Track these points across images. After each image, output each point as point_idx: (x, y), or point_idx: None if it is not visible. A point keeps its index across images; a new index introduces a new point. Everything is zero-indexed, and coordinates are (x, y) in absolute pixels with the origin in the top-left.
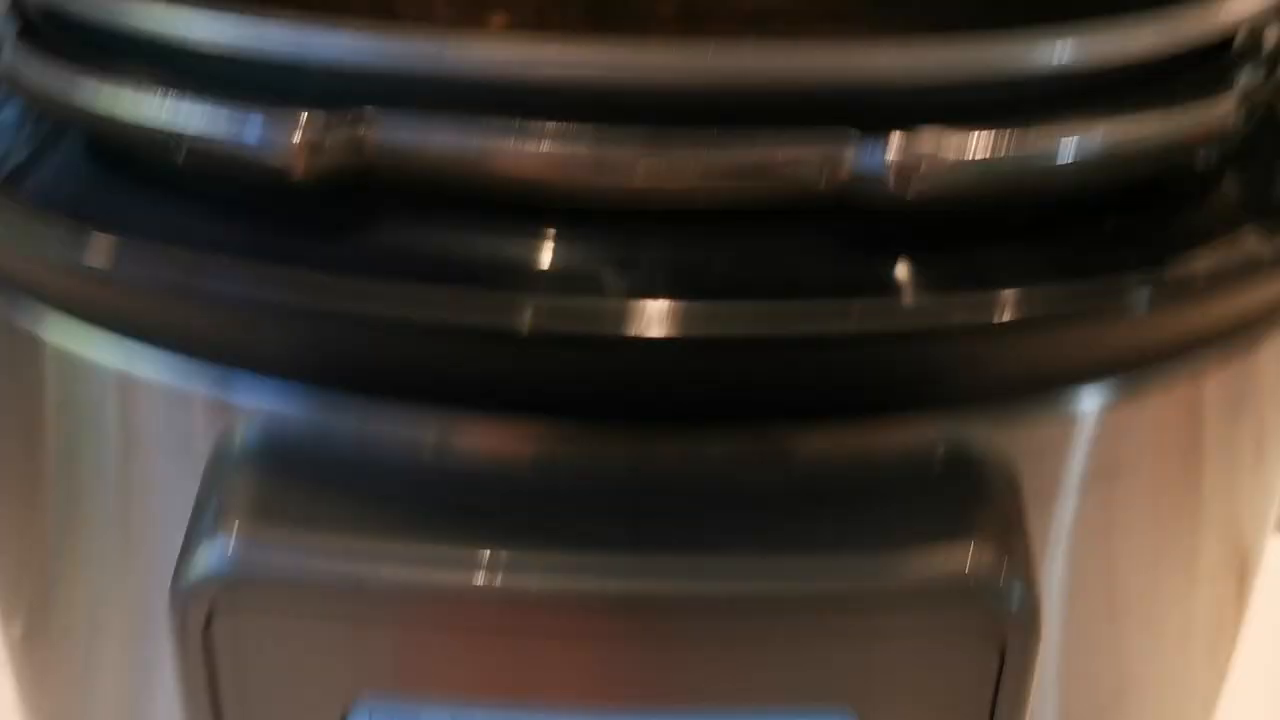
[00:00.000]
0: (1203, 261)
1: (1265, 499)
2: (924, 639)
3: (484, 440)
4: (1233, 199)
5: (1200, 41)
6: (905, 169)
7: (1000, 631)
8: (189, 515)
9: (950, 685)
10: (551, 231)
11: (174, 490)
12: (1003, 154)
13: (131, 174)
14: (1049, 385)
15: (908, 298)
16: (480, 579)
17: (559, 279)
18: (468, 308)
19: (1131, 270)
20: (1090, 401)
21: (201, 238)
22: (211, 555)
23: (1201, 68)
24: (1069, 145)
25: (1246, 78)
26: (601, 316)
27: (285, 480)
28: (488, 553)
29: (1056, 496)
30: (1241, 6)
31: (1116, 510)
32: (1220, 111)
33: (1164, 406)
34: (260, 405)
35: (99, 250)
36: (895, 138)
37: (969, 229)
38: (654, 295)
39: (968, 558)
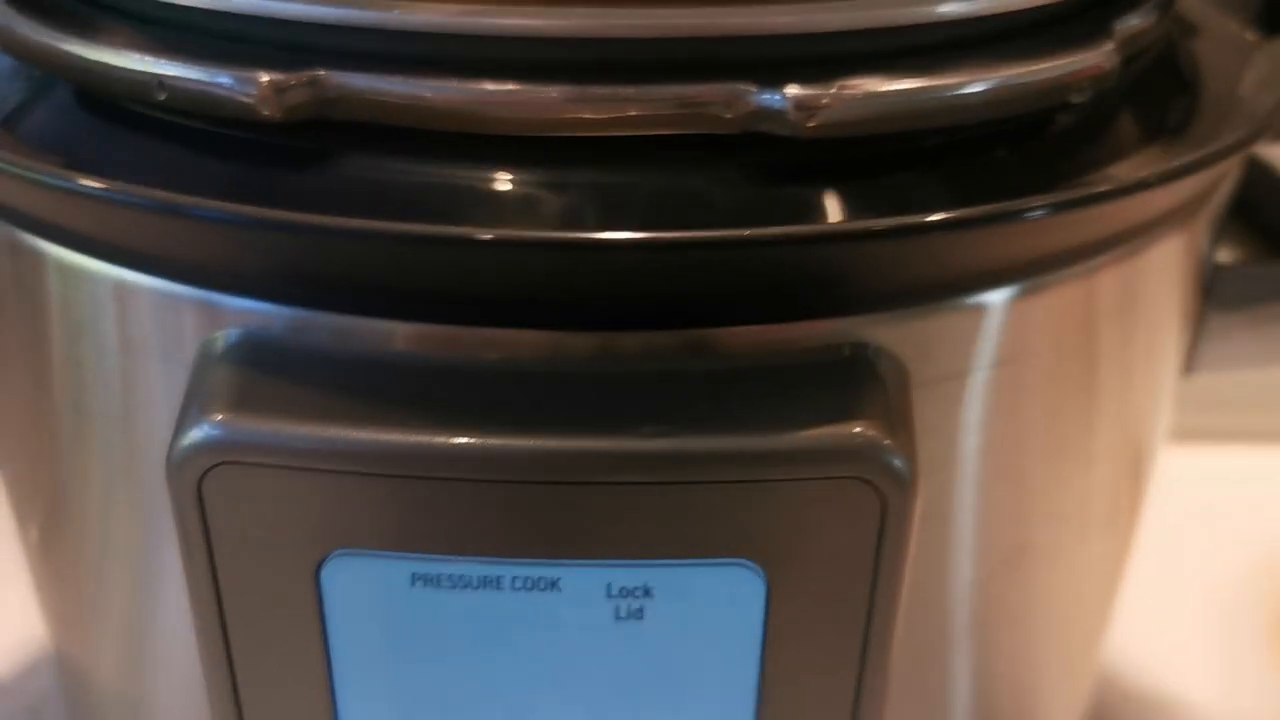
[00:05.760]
0: (1090, 180)
1: (1156, 393)
2: (817, 502)
3: (432, 344)
4: (1125, 129)
5: None
6: (803, 106)
7: (881, 495)
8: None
9: (840, 542)
10: (494, 160)
11: (168, 388)
12: (886, 98)
13: (118, 118)
14: (948, 290)
15: (816, 216)
16: (427, 447)
17: (502, 201)
18: (418, 227)
19: (1028, 188)
20: (987, 301)
21: (181, 170)
22: (198, 433)
23: (1084, 17)
24: (962, 87)
25: (1128, 23)
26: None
27: (261, 374)
28: (431, 428)
29: (955, 384)
30: None
31: (1015, 395)
32: (1097, 58)
33: (1058, 306)
34: (240, 315)
35: (92, 182)
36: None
37: (873, 161)
38: (584, 212)
39: (854, 430)
